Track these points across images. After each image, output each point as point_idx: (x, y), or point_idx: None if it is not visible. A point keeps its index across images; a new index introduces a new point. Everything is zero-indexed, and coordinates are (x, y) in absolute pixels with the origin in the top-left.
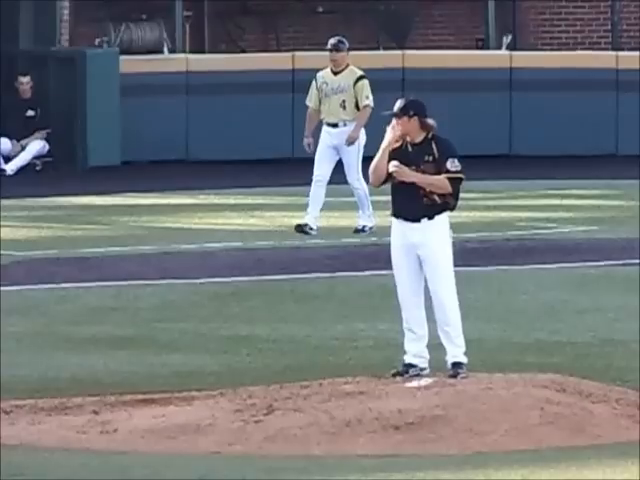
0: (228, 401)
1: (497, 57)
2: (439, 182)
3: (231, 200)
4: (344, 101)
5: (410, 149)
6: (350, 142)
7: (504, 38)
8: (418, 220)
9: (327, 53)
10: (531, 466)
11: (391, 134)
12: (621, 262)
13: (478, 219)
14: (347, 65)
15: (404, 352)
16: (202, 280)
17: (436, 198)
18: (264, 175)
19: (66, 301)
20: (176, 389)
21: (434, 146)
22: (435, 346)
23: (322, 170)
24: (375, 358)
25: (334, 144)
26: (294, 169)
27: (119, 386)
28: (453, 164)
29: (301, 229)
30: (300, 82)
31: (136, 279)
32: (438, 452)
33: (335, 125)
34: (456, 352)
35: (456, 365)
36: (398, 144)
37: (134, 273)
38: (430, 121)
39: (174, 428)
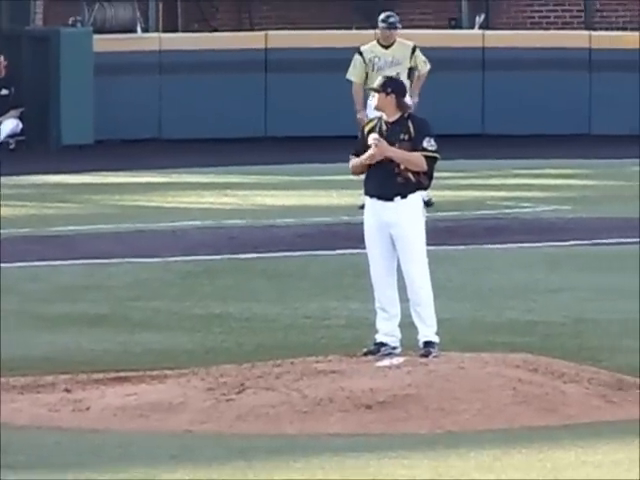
0: (200, 380)
1: (470, 36)
2: (415, 159)
3: (204, 179)
4: (398, 73)
5: (385, 127)
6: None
7: (477, 17)
8: (391, 199)
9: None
10: (503, 446)
11: (373, 151)
12: (593, 242)
13: (451, 198)
14: (395, 38)
15: (376, 331)
16: (175, 258)
17: (410, 176)
18: (237, 154)
19: (38, 279)
20: (148, 367)
21: (410, 125)
22: (407, 325)
23: None
24: (347, 337)
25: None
26: (267, 148)
27: (91, 364)
28: (429, 143)
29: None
30: (273, 61)
31: (109, 257)
32: (410, 431)
33: None
34: (428, 332)
35: (428, 344)
36: (373, 123)
37: (107, 251)
38: (407, 100)
39: (146, 406)
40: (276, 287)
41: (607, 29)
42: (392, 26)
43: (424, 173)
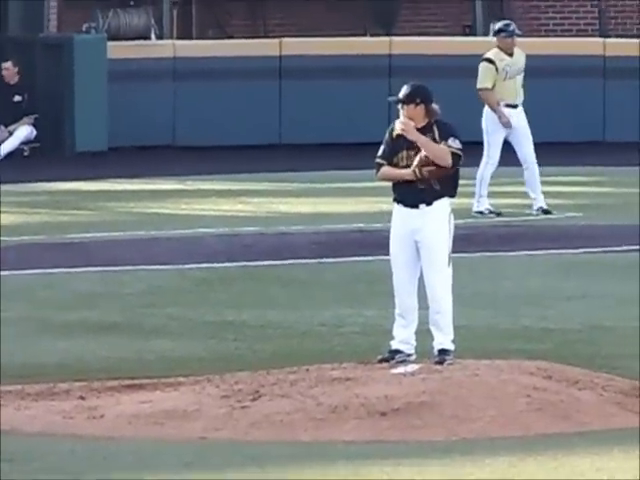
0: (215, 387)
1: (485, 44)
2: (439, 151)
3: (218, 186)
4: (523, 78)
5: None
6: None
7: (492, 25)
8: (416, 206)
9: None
10: (518, 453)
11: (399, 128)
12: (608, 249)
13: (465, 205)
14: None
15: (392, 337)
16: (189, 266)
17: (432, 183)
18: (251, 161)
19: (53, 286)
20: (163, 375)
21: (435, 130)
22: (422, 332)
23: (498, 154)
24: (361, 344)
25: (512, 124)
26: (281, 155)
27: (106, 372)
28: (454, 142)
29: (481, 212)
30: (287, 68)
31: (123, 265)
32: (424, 439)
33: (516, 106)
34: (443, 339)
35: (443, 352)
36: (400, 130)
37: (121, 259)
38: (435, 107)
39: (161, 414)
40: (290, 294)
41: (621, 36)
42: (515, 33)
43: (449, 179)
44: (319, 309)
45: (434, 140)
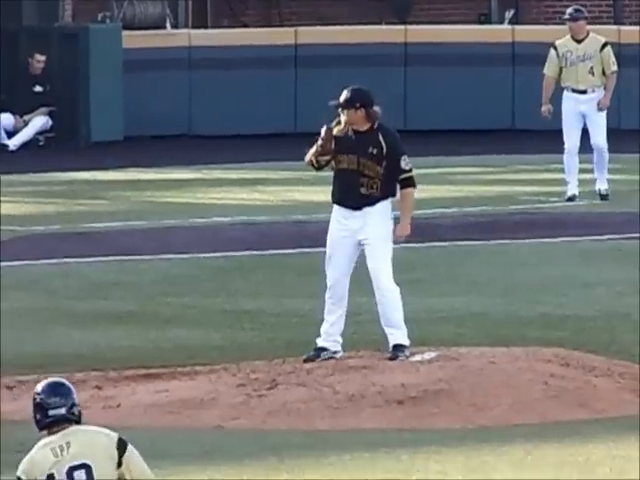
0: (231, 375)
1: (500, 31)
2: (412, 201)
3: (234, 175)
4: (592, 67)
5: (354, 137)
6: (602, 108)
7: (506, 12)
8: (360, 208)
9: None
10: (535, 440)
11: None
12: (625, 236)
13: (481, 193)
14: (588, 33)
15: (319, 335)
16: (205, 254)
17: (375, 188)
18: (267, 150)
19: (69, 276)
20: (179, 364)
21: (381, 138)
22: (435, 320)
23: (573, 140)
24: (378, 332)
25: (581, 110)
26: (297, 143)
27: (122, 361)
28: (406, 163)
29: (571, 199)
30: (303, 57)
31: (139, 254)
32: (441, 426)
33: (584, 92)
34: (397, 334)
35: (397, 347)
36: (342, 133)
37: (137, 248)
38: (376, 109)
39: (177, 403)
40: (307, 283)
41: (636, 23)
42: (571, 18)
43: (390, 181)
44: None
45: (379, 150)
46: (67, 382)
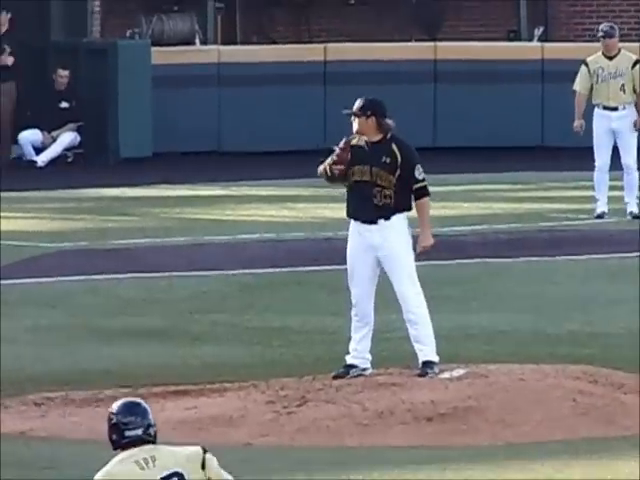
0: (260, 393)
1: (529, 49)
2: (429, 210)
3: (263, 191)
4: (623, 85)
5: (367, 147)
6: (639, 129)
7: (536, 30)
8: (375, 222)
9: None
10: (564, 457)
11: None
12: None
13: (510, 210)
14: (619, 50)
15: (349, 352)
16: (234, 271)
17: (388, 199)
18: (296, 166)
19: (97, 293)
20: (208, 381)
21: (395, 148)
22: (464, 337)
23: (604, 158)
24: (407, 349)
25: (612, 127)
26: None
27: (151, 378)
28: (420, 172)
29: (600, 217)
30: (332, 74)
31: (168, 271)
32: (470, 443)
33: (615, 109)
34: (426, 351)
35: (426, 364)
36: (357, 143)
37: (166, 265)
38: (389, 121)
39: (206, 420)
40: (335, 300)
41: None
42: (605, 35)
43: (405, 193)
44: None
45: (392, 160)
46: (143, 402)
